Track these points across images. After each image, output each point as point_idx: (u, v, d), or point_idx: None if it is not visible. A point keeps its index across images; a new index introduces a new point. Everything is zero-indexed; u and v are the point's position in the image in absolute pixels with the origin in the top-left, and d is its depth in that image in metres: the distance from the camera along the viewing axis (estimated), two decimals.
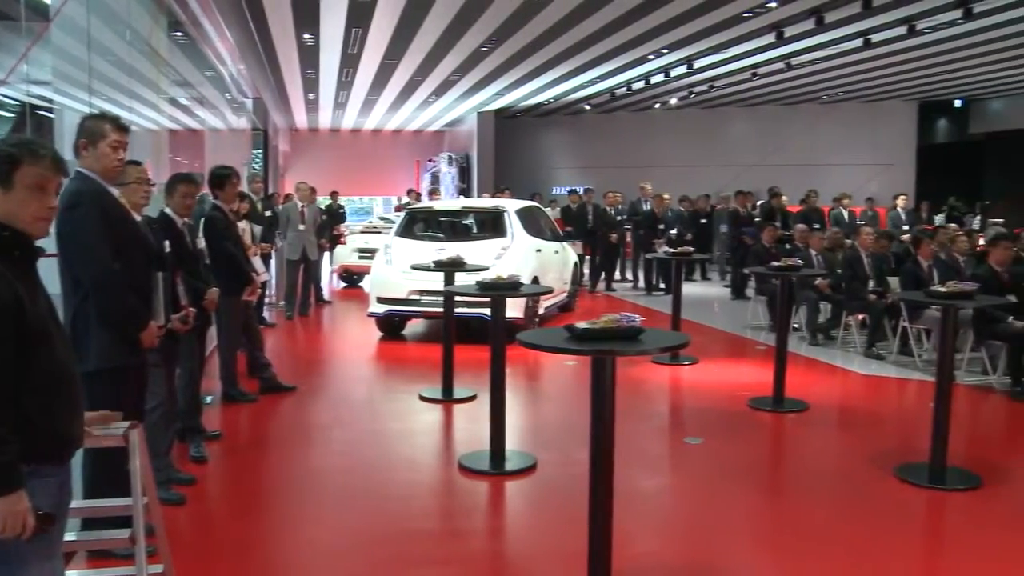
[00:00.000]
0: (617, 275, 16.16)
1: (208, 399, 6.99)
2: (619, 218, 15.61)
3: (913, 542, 4.85)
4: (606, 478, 3.85)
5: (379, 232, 15.06)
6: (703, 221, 16.57)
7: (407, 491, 5.45)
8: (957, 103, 22.76)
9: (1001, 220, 17.15)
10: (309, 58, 16.05)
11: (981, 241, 11.38)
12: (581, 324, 3.83)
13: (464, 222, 11.64)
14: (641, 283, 15.59)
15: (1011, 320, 7.85)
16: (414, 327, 11.17)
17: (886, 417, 7.48)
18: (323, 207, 14.50)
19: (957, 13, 11.97)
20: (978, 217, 19.02)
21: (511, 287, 6.26)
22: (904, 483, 5.51)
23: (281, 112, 24.23)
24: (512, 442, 6.05)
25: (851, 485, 5.64)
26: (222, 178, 6.85)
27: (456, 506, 5.40)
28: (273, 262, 12.72)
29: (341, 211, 18.69)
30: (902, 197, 16.91)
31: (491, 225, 10.87)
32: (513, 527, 5.15)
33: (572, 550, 4.11)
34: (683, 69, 16.98)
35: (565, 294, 12.18)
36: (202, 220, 6.56)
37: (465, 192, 24.82)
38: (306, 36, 14.10)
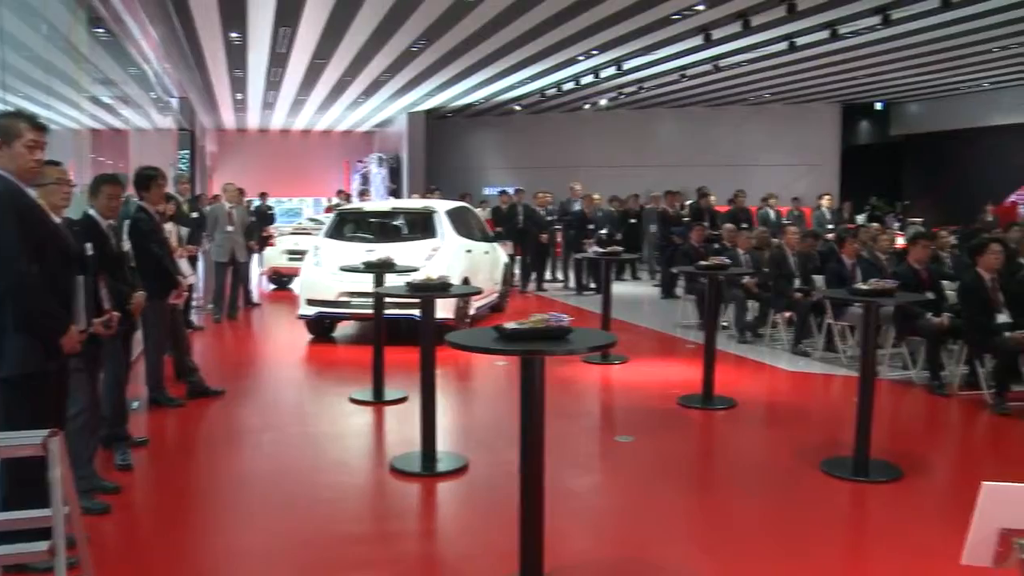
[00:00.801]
0: (548, 275, 16.21)
1: (134, 404, 6.84)
2: (549, 218, 15.66)
3: (838, 533, 4.96)
4: (536, 477, 3.87)
5: (309, 234, 14.93)
6: (633, 221, 16.69)
7: (338, 494, 5.41)
8: (878, 106, 23.34)
9: (920, 219, 17.61)
10: (237, 57, 15.83)
11: (900, 240, 11.66)
12: (510, 324, 3.84)
13: (394, 223, 11.58)
14: (572, 283, 15.66)
15: (929, 316, 8.05)
16: (344, 329, 11.09)
17: (812, 412, 7.63)
18: (253, 208, 14.31)
19: (876, 19, 12.29)
20: (899, 216, 19.49)
21: (440, 288, 6.25)
22: (829, 476, 5.62)
23: (208, 112, 23.87)
24: (443, 443, 6.04)
25: (779, 479, 5.74)
26: (148, 179, 6.72)
27: (387, 508, 5.37)
28: (200, 264, 12.51)
29: (270, 212, 18.47)
30: (826, 197, 17.25)
31: (421, 226, 10.84)
32: (445, 528, 5.14)
33: (504, 550, 4.11)
34: (613, 70, 17.13)
35: (496, 295, 12.19)
36: (127, 222, 6.43)
37: (395, 193, 24.71)
38: (233, 35, 13.91)
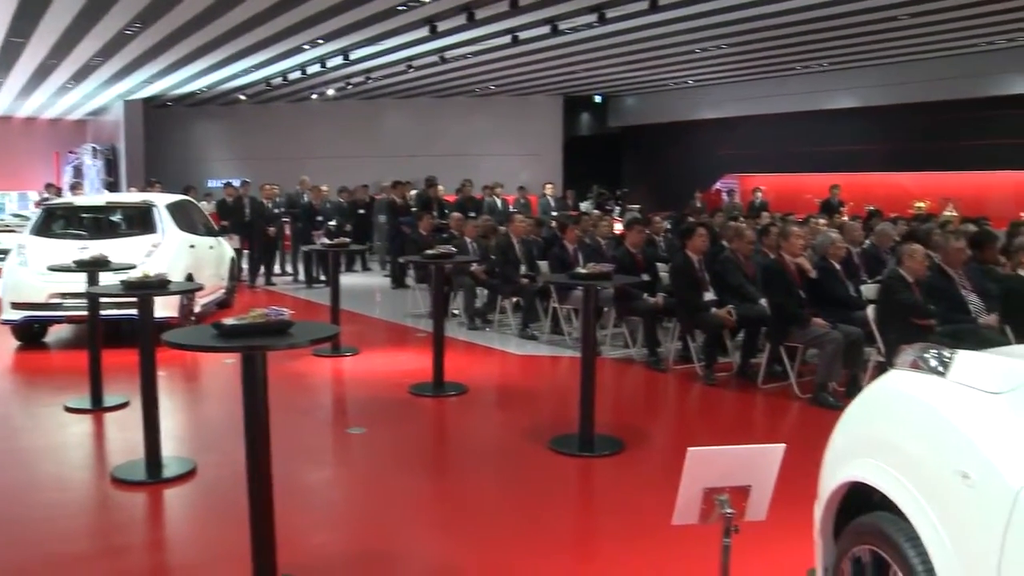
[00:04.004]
0: (277, 269, 15.86)
1: None
2: (277, 211, 15.32)
3: (568, 506, 5.20)
4: (264, 475, 3.78)
5: (13, 231, 13.80)
6: (362, 212, 16.61)
7: (55, 512, 5.00)
8: (597, 99, 24.46)
9: (637, 206, 18.63)
10: None
11: (618, 226, 12.28)
12: (229, 320, 3.71)
13: (110, 218, 10.87)
14: (301, 276, 15.40)
15: (645, 297, 8.53)
16: (58, 333, 10.31)
17: (540, 393, 7.90)
18: None
19: (593, 16, 12.83)
20: (618, 203, 20.52)
21: (158, 286, 5.94)
22: (557, 453, 5.84)
23: None
24: (169, 448, 5.74)
25: (510, 460, 5.91)
26: None
27: (110, 522, 5.03)
28: None
29: None
30: (550, 185, 17.85)
31: (140, 221, 10.26)
32: (174, 537, 4.89)
33: (237, 553, 3.97)
34: (340, 60, 16.91)
35: (223, 290, 11.78)
36: None
37: (113, 186, 23.26)
38: None
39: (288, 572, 3.93)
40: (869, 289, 7.72)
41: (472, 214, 14.24)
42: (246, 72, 18.56)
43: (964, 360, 2.60)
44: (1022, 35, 14.58)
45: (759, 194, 17.59)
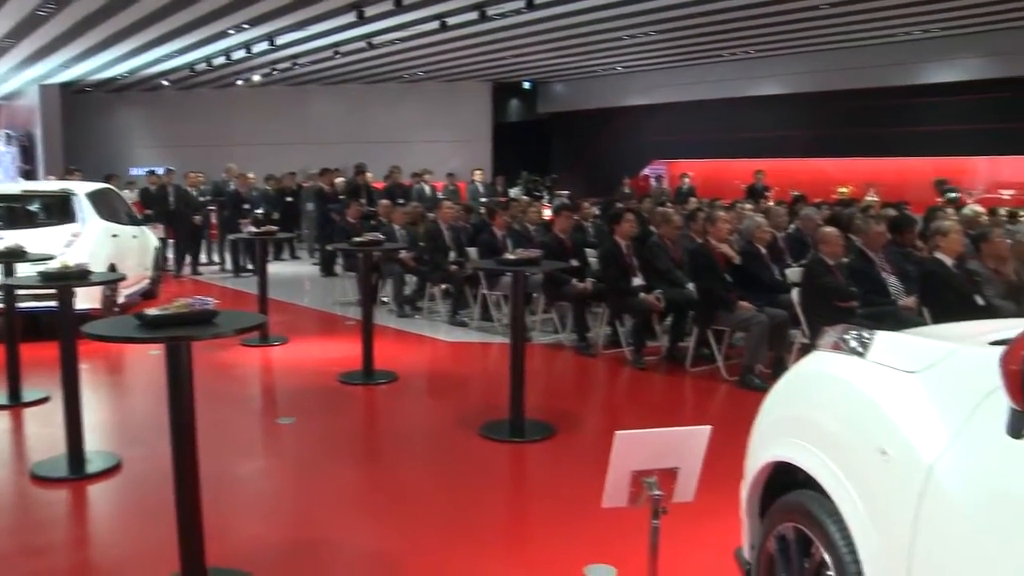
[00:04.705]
0: (203, 258, 15.61)
1: None
2: (202, 199, 15.07)
3: (498, 492, 5.21)
4: (190, 468, 3.72)
5: None
6: (290, 199, 16.43)
7: None
8: (526, 85, 24.48)
9: (567, 192, 18.70)
10: None
11: (548, 212, 12.31)
12: (152, 311, 3.64)
13: (26, 208, 10.57)
14: (228, 265, 15.17)
15: (574, 282, 8.57)
16: None
17: (471, 380, 7.90)
18: None
19: (521, 2, 12.80)
20: (548, 189, 20.58)
21: (79, 276, 5.81)
22: (488, 440, 5.85)
23: None
24: (93, 442, 5.61)
25: (441, 447, 5.91)
26: None
27: (30, 521, 4.87)
28: None
29: None
30: (479, 172, 17.82)
31: (58, 210, 9.99)
32: (98, 534, 4.77)
33: (164, 548, 3.90)
34: (265, 45, 16.63)
35: (147, 280, 11.56)
36: None
37: (29, 175, 22.61)
38: None
39: (218, 566, 3.88)
40: (794, 273, 7.86)
41: (401, 201, 14.17)
42: (169, 57, 18.14)
43: (882, 341, 2.66)
44: (936, 27, 14.98)
45: (687, 180, 17.78)
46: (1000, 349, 1.90)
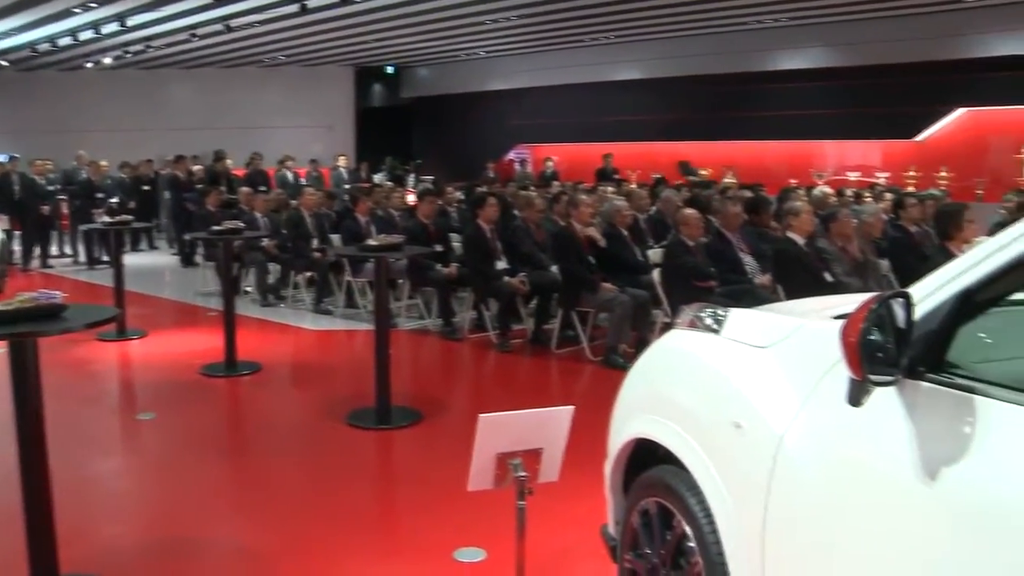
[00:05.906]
0: (54, 250, 14.94)
1: None
2: (51, 188, 14.38)
3: (366, 480, 5.19)
4: (39, 471, 3.57)
5: None
6: (146, 188, 15.87)
7: None
8: (389, 69, 24.25)
9: (431, 177, 18.64)
10: None
11: (411, 197, 12.25)
12: None
13: None
14: (82, 257, 14.56)
15: (438, 267, 8.56)
16: None
17: (337, 368, 7.81)
18: None
19: None
20: (413, 174, 20.48)
21: None
22: (355, 428, 5.81)
23: None
24: None
25: (309, 436, 5.84)
26: None
27: None
28: None
29: None
30: (343, 157, 17.59)
31: None
32: None
33: (12, 556, 3.72)
34: (116, 26, 15.96)
35: None
36: None
37: None
38: None
39: (75, 572, 3.73)
40: (655, 253, 8.04)
41: (263, 188, 13.86)
42: (7, 35, 17.16)
43: (735, 317, 2.74)
44: (785, 16, 15.51)
45: (550, 164, 17.95)
46: (841, 323, 1.98)
